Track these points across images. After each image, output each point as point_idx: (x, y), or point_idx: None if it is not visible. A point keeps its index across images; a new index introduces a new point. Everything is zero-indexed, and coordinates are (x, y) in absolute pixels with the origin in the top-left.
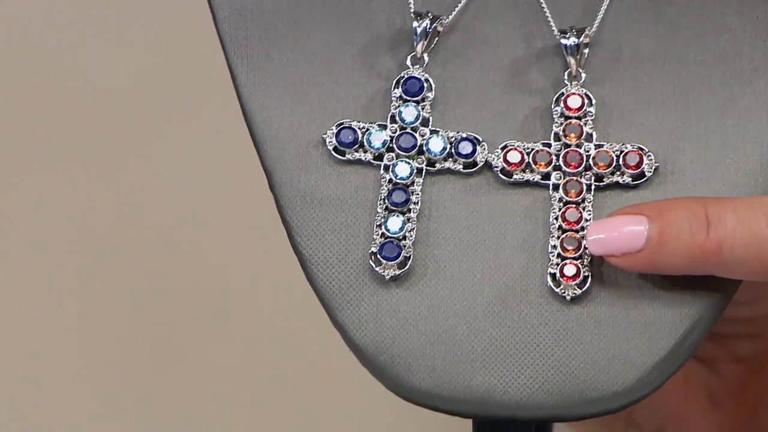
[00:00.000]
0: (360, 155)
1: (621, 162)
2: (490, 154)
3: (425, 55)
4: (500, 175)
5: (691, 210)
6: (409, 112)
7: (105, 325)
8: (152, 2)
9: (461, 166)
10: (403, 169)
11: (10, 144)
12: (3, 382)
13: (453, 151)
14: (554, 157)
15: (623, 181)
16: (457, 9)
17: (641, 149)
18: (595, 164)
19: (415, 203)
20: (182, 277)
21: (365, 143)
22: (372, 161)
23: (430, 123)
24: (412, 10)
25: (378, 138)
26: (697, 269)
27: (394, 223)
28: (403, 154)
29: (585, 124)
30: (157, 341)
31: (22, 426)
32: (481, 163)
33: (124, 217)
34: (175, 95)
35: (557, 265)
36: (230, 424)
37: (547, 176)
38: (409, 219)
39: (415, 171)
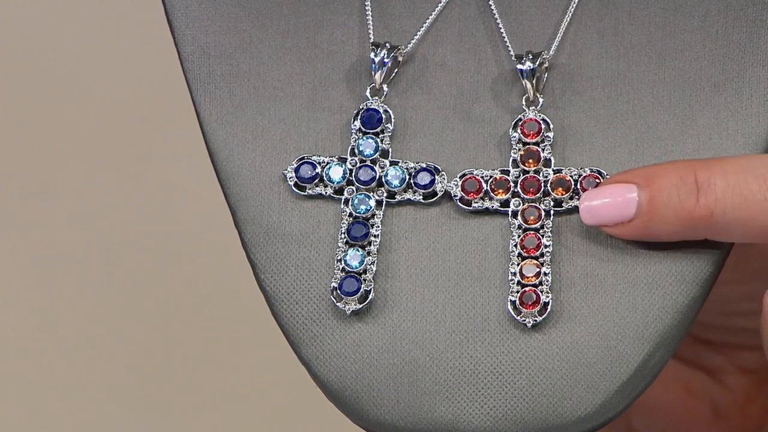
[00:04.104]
0: (320, 190)
1: (579, 186)
2: (449, 184)
3: (384, 86)
4: (459, 204)
5: (680, 176)
6: (368, 145)
7: (106, 326)
8: (157, 5)
9: (421, 197)
10: (362, 203)
11: (12, 146)
12: (6, 383)
13: (412, 181)
14: (512, 184)
15: None
16: (415, 38)
17: (599, 173)
18: (554, 190)
19: (375, 236)
20: (184, 279)
21: (324, 177)
22: (333, 195)
23: (390, 154)
24: (371, 41)
25: (336, 172)
26: (690, 234)
27: (354, 257)
28: (363, 187)
29: (543, 150)
30: (159, 343)
31: (24, 427)
32: (441, 193)
33: (128, 220)
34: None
35: (517, 292)
36: (231, 425)
37: (506, 203)
38: (369, 252)
39: (374, 204)
